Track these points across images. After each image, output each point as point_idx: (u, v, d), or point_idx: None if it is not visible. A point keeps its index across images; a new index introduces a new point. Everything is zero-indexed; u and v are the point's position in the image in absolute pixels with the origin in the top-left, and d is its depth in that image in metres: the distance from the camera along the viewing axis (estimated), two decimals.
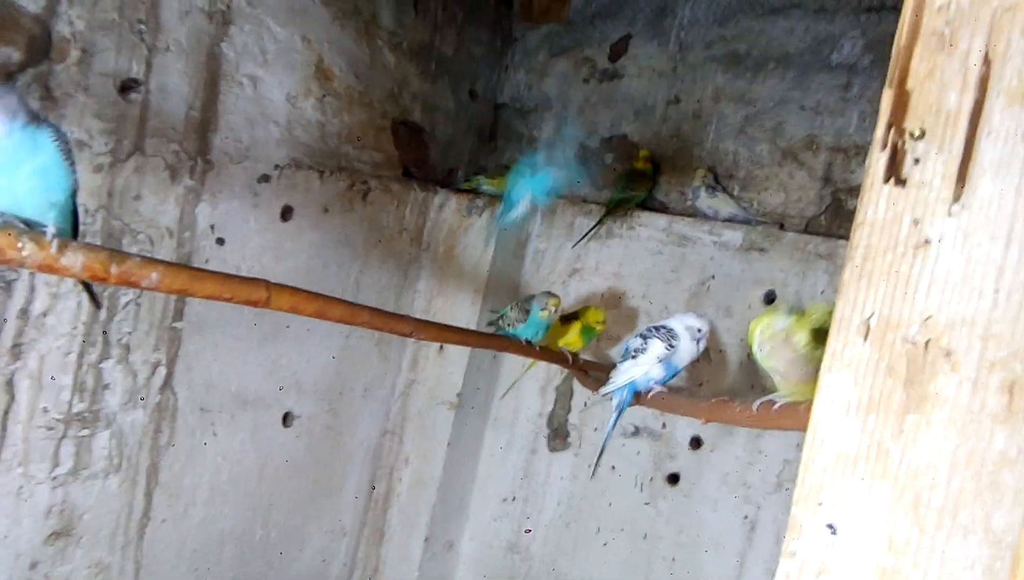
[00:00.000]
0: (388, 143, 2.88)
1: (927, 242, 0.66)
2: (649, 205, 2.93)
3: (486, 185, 3.03)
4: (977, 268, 0.63)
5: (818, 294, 2.45)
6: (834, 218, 2.56)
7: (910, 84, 0.70)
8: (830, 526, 0.66)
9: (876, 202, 0.69)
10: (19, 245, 1.01)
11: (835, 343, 0.70)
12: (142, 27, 2.05)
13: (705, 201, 2.71)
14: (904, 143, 0.69)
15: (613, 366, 2.24)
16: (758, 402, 1.43)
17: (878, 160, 0.70)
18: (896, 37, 0.71)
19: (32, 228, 1.06)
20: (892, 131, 0.70)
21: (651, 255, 2.81)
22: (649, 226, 2.83)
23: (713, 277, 2.67)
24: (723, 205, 2.69)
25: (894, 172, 0.69)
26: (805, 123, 2.64)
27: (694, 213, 2.77)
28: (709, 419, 1.60)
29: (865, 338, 0.68)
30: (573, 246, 2.95)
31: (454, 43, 3.10)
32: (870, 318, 0.68)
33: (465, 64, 3.19)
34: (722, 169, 2.79)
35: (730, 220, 2.68)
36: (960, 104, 0.66)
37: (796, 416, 1.31)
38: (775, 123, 2.70)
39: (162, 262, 1.17)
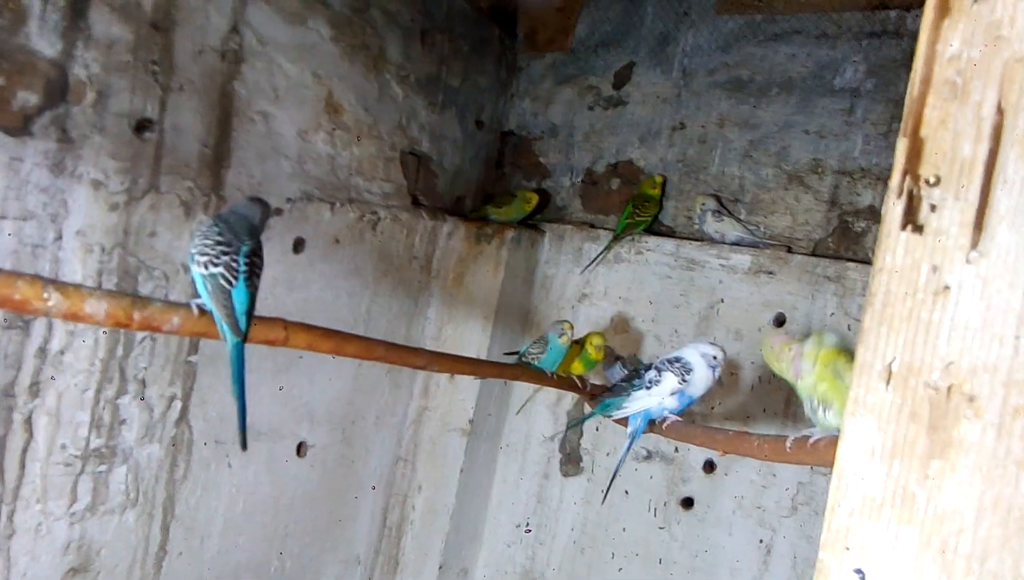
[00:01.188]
0: (397, 173, 2.91)
1: (946, 289, 0.67)
2: (656, 229, 2.95)
3: (494, 214, 3.05)
4: (997, 315, 0.64)
5: (828, 316, 2.46)
6: (841, 240, 2.58)
7: (924, 132, 0.71)
8: (858, 571, 0.67)
9: (894, 249, 0.70)
10: (44, 295, 1.04)
11: (857, 388, 0.71)
12: (156, 68, 2.08)
13: (712, 225, 2.73)
14: (920, 190, 0.70)
15: (610, 387, 2.26)
16: (791, 438, 1.43)
17: (894, 207, 0.71)
18: (909, 87, 0.73)
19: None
20: (907, 178, 0.71)
21: (660, 279, 2.83)
22: (657, 250, 2.85)
23: (722, 301, 2.69)
24: (730, 229, 2.71)
25: (911, 219, 0.70)
26: (810, 147, 2.67)
27: (701, 237, 2.79)
28: (727, 451, 1.60)
29: (887, 383, 0.69)
30: (581, 272, 2.97)
31: (460, 74, 3.14)
32: (892, 363, 0.69)
33: (471, 94, 3.23)
34: (728, 193, 2.82)
35: (737, 244, 2.70)
36: (975, 153, 0.68)
37: (817, 453, 1.31)
38: (780, 147, 2.73)
39: (183, 306, 1.19)
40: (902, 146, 0.71)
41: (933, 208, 0.69)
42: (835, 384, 1.46)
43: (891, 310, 0.70)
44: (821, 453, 1.32)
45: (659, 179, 2.92)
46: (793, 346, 1.52)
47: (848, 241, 2.57)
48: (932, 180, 0.70)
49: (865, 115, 2.57)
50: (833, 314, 2.47)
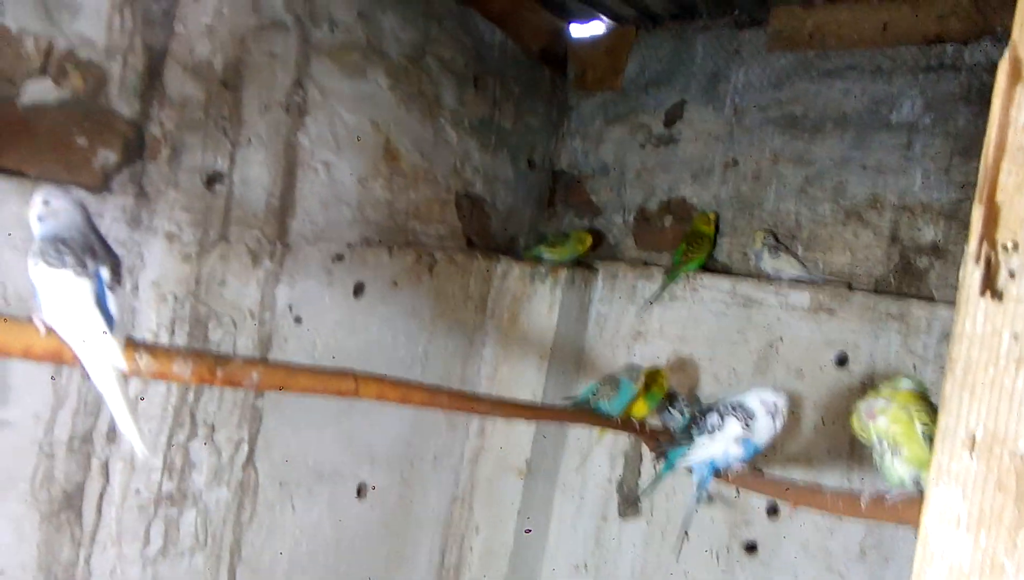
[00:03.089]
0: (452, 216, 2.97)
1: None
2: (711, 267, 2.93)
3: (547, 254, 3.08)
4: None
5: (892, 356, 2.42)
6: (903, 277, 2.53)
7: (999, 198, 0.72)
8: None
9: (973, 315, 0.70)
10: (136, 356, 1.09)
11: (941, 455, 0.71)
12: (226, 124, 2.18)
13: (769, 262, 2.71)
14: (998, 256, 0.70)
15: (671, 434, 2.24)
16: (867, 495, 1.41)
17: (972, 273, 0.71)
18: (983, 153, 0.73)
19: None
20: (985, 244, 0.71)
21: (716, 317, 2.81)
22: (712, 288, 2.83)
23: (781, 339, 2.66)
24: (787, 266, 2.68)
25: (990, 285, 0.70)
26: (867, 182, 2.64)
27: (758, 274, 2.77)
28: (798, 504, 1.57)
29: (971, 451, 0.69)
30: (638, 313, 2.97)
31: (512, 116, 3.20)
32: (975, 431, 0.69)
33: (523, 135, 3.28)
34: (785, 229, 2.79)
35: (795, 281, 2.67)
36: None
37: (895, 512, 1.28)
38: (836, 183, 2.70)
39: (261, 362, 1.24)
40: (978, 213, 0.71)
41: (1012, 274, 0.69)
42: (908, 428, 1.43)
43: (973, 377, 0.70)
44: (899, 513, 1.30)
45: (712, 216, 2.92)
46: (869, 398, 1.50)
47: (911, 278, 2.52)
48: (1010, 246, 0.70)
49: (924, 150, 2.53)
50: (897, 353, 2.42)
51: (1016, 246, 0.70)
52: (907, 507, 1.32)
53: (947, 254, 2.46)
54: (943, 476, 0.70)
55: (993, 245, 0.71)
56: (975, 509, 0.68)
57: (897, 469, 1.44)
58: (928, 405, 1.44)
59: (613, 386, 2.28)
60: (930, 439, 1.31)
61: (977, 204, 0.73)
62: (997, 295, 0.70)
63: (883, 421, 1.45)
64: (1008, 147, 0.72)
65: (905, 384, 1.49)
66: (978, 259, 0.71)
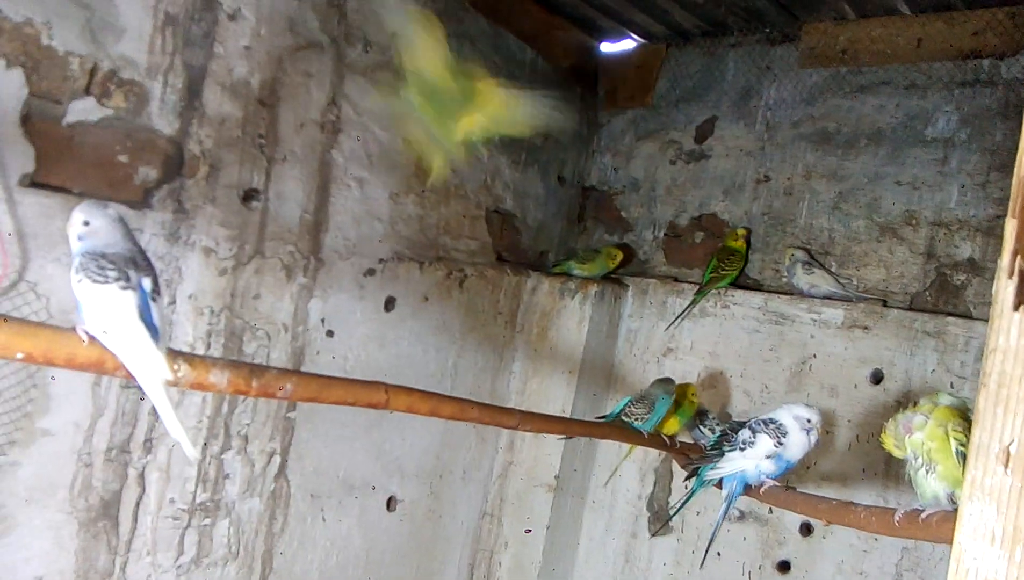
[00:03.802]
0: (482, 231, 2.99)
1: None
2: (742, 283, 2.92)
3: (576, 269, 3.08)
4: None
5: (928, 374, 2.38)
6: (940, 294, 2.49)
7: None
8: None
9: (1007, 330, 0.70)
10: (175, 367, 1.12)
11: (974, 470, 0.70)
12: (262, 141, 2.23)
13: (802, 278, 2.69)
14: None
15: (703, 449, 2.22)
16: (901, 512, 1.39)
17: (1006, 287, 0.71)
18: (1016, 167, 0.73)
19: None
20: (1018, 258, 0.71)
21: (747, 334, 2.79)
22: (744, 304, 2.82)
23: (814, 356, 2.63)
24: (821, 282, 2.66)
25: (1023, 299, 0.70)
26: (902, 198, 2.61)
27: (790, 291, 2.75)
28: (831, 522, 1.55)
29: (1006, 466, 0.68)
30: (667, 328, 2.96)
31: (542, 133, 3.22)
32: (1010, 446, 0.68)
33: (553, 151, 3.30)
34: (818, 245, 2.77)
35: (829, 297, 2.64)
36: None
37: (930, 529, 1.26)
38: (870, 198, 2.68)
39: (295, 373, 1.26)
40: (1011, 227, 0.71)
41: None
42: (944, 445, 1.41)
43: (1007, 391, 0.69)
44: (934, 530, 1.27)
45: (742, 232, 2.90)
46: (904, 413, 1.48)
47: (947, 295, 2.48)
48: None
49: (960, 165, 2.50)
50: (934, 371, 2.38)
51: None
52: (942, 524, 1.30)
53: (984, 270, 2.42)
54: (977, 491, 0.69)
55: None
56: (1010, 525, 0.67)
57: (932, 485, 1.42)
58: (967, 423, 1.42)
59: (649, 404, 2.26)
60: (963, 457, 1.29)
61: (1010, 218, 0.73)
62: None
63: (919, 436, 1.44)
64: None
65: (944, 400, 1.47)
66: (1012, 273, 0.71)
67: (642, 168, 3.31)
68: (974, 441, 0.71)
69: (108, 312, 1.10)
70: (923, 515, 1.34)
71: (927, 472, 1.43)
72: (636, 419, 2.26)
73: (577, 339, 3.03)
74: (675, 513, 2.68)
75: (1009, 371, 0.69)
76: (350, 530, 2.61)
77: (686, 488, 2.80)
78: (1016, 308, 0.70)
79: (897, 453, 1.48)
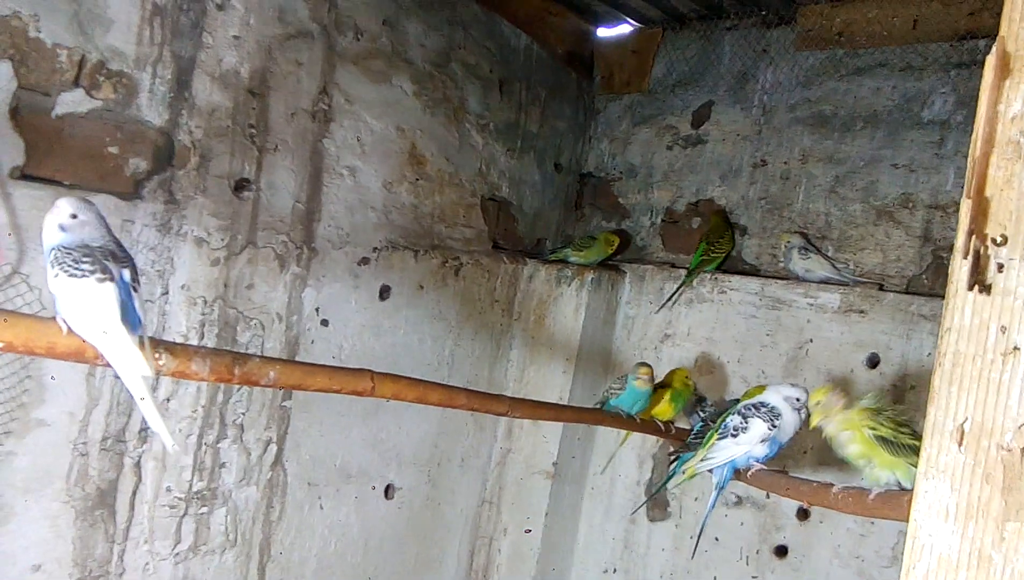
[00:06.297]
0: (478, 219, 2.99)
1: (1016, 349, 0.66)
2: (740, 268, 2.91)
3: (573, 256, 3.08)
4: None
5: (924, 357, 2.37)
6: (936, 277, 2.48)
7: (988, 192, 0.71)
8: None
9: (962, 309, 0.70)
10: (157, 355, 1.13)
11: (929, 448, 0.70)
12: (253, 131, 2.23)
13: (799, 263, 2.68)
14: (986, 250, 0.70)
15: (690, 431, 2.23)
16: (875, 491, 1.42)
17: (961, 267, 0.71)
18: (971, 147, 0.72)
19: None
20: (973, 238, 0.71)
21: (744, 319, 2.79)
22: (741, 290, 2.81)
23: (811, 341, 2.62)
24: (817, 266, 2.65)
25: (978, 279, 0.70)
26: (899, 181, 2.59)
27: (787, 275, 2.74)
28: (812, 503, 1.56)
29: (960, 444, 0.68)
30: (657, 311, 2.96)
31: (538, 119, 3.22)
32: (963, 424, 0.68)
33: (549, 138, 3.29)
34: (815, 230, 2.76)
35: (826, 282, 2.63)
36: None
37: (900, 507, 1.29)
38: (867, 182, 2.66)
39: (278, 361, 1.27)
40: (966, 207, 0.71)
41: (1000, 268, 0.69)
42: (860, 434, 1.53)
43: (960, 370, 0.69)
44: (904, 508, 1.29)
45: (719, 208, 2.95)
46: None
47: (944, 278, 2.47)
48: (999, 240, 0.69)
49: (956, 147, 2.48)
50: (930, 354, 2.36)
51: (1005, 240, 0.69)
52: (887, 501, 1.37)
53: None
54: (931, 469, 0.69)
55: (983, 239, 0.70)
56: (963, 502, 0.67)
57: (876, 474, 1.51)
58: (879, 414, 1.54)
59: (621, 383, 2.28)
60: (880, 440, 1.45)
61: (965, 199, 0.72)
62: (985, 289, 0.69)
63: (832, 427, 1.59)
64: (997, 142, 0.72)
65: (864, 403, 1.59)
66: (966, 254, 0.71)
67: (639, 154, 3.30)
68: (929, 420, 0.71)
69: (85, 306, 1.10)
70: (871, 496, 1.42)
71: (867, 464, 1.54)
72: (612, 395, 2.27)
73: (574, 326, 3.03)
74: (656, 492, 2.70)
75: (963, 350, 0.70)
76: (348, 518, 2.63)
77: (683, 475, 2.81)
78: (970, 288, 0.70)
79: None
